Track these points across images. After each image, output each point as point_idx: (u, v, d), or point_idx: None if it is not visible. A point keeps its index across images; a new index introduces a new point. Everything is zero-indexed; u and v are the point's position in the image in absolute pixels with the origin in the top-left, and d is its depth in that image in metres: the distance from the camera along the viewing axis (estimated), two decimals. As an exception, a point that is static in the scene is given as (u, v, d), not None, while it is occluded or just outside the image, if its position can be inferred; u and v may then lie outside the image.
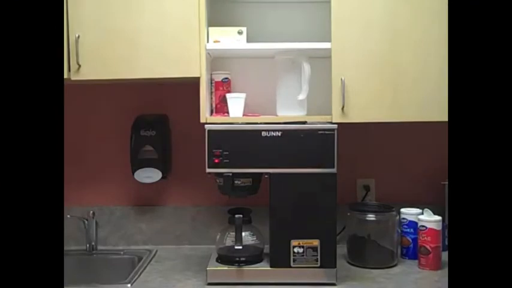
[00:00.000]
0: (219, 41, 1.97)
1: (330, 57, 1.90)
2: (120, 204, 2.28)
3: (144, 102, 2.25)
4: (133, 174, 2.19)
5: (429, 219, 1.95)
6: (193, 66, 1.90)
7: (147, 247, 2.24)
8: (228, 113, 2.03)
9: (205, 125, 1.80)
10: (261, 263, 1.85)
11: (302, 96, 1.97)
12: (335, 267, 1.78)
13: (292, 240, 1.78)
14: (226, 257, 1.86)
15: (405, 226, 2.05)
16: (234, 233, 1.82)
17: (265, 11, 2.20)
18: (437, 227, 1.93)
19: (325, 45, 1.91)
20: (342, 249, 2.00)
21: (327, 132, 1.76)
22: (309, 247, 1.77)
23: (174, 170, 2.27)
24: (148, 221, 2.28)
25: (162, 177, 2.19)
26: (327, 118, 1.90)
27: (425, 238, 1.93)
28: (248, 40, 2.00)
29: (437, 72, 1.88)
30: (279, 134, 1.77)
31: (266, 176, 1.80)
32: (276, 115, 2.04)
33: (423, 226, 1.94)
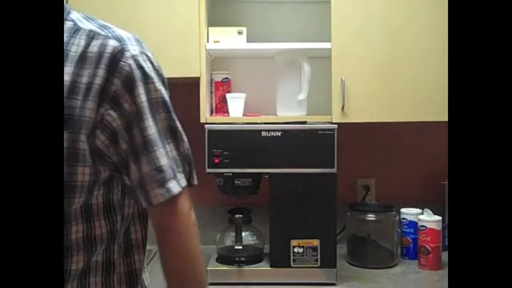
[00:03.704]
0: (219, 41, 1.97)
1: (329, 57, 1.90)
2: (120, 204, 2.28)
3: (144, 102, 2.25)
4: (133, 174, 2.18)
5: (429, 219, 1.95)
6: (193, 66, 1.90)
7: (147, 247, 2.23)
8: (228, 113, 2.03)
9: (205, 125, 1.80)
10: (261, 263, 1.85)
11: (302, 96, 1.97)
12: (335, 267, 1.78)
13: (292, 240, 1.78)
14: (226, 257, 1.86)
15: (405, 226, 2.05)
16: (234, 233, 1.82)
17: (265, 11, 2.20)
18: (437, 227, 1.93)
19: (325, 45, 1.91)
20: (342, 249, 1.99)
21: (326, 132, 1.77)
22: (309, 247, 1.78)
23: (174, 170, 2.26)
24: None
25: (162, 177, 2.18)
26: (327, 118, 1.90)
27: (426, 238, 1.93)
28: (248, 40, 2.00)
29: (437, 72, 1.88)
30: (279, 134, 1.77)
31: (266, 176, 1.80)
32: (276, 115, 2.04)
33: (423, 226, 1.94)
